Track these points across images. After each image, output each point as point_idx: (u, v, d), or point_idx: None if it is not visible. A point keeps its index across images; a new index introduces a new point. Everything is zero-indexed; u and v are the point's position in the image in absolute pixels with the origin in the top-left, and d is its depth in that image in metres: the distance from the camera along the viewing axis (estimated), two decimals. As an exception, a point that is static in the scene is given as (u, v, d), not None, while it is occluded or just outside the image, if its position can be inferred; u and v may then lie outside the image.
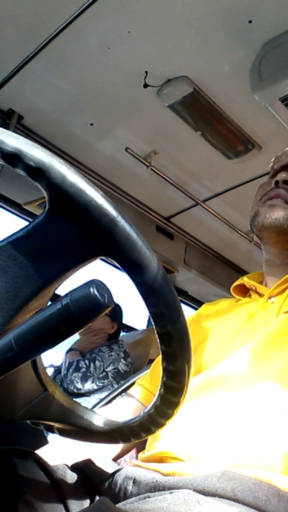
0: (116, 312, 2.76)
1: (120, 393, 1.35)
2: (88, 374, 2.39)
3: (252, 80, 1.71)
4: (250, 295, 0.96)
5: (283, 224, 0.88)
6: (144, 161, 2.26)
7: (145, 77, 1.87)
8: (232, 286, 0.99)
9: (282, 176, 0.92)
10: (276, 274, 0.92)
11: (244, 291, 0.98)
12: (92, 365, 2.42)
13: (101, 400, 1.33)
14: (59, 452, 0.80)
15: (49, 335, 0.41)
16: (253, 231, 0.95)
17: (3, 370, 0.42)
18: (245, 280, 0.97)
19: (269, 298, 0.88)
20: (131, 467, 0.68)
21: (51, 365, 2.69)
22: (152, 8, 1.61)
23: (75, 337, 2.65)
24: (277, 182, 0.92)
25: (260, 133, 2.10)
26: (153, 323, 0.46)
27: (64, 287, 0.45)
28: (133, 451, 0.95)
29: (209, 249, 3.07)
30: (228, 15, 1.61)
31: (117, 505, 0.52)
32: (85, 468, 0.70)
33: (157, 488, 0.59)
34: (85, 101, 2.04)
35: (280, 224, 0.88)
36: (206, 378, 0.77)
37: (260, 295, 0.93)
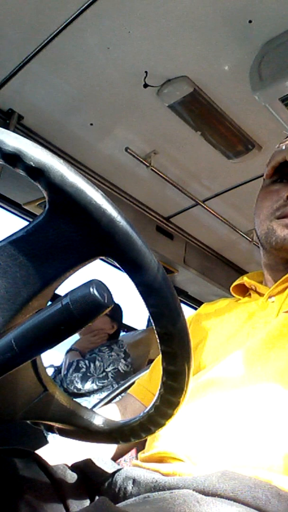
0: (116, 312, 2.76)
1: (120, 393, 1.35)
2: (88, 374, 2.39)
3: (252, 80, 1.71)
4: (250, 295, 0.96)
5: None
6: (144, 161, 2.26)
7: (145, 77, 1.87)
8: (232, 286, 0.99)
9: None
10: (276, 275, 0.92)
11: (244, 290, 0.98)
12: (92, 365, 2.42)
13: (101, 400, 1.34)
14: (59, 452, 0.80)
15: (49, 335, 0.41)
16: (264, 246, 0.93)
17: (3, 370, 0.42)
18: (245, 279, 0.97)
19: (269, 297, 0.88)
20: (131, 467, 0.68)
21: (51, 365, 2.69)
22: (152, 8, 1.61)
23: (75, 337, 2.65)
24: None
25: (260, 133, 2.10)
26: (153, 323, 0.46)
27: (64, 287, 0.46)
28: (133, 451, 0.95)
29: (209, 249, 3.06)
30: (228, 15, 1.61)
31: (117, 505, 0.52)
32: (85, 468, 0.70)
33: (157, 488, 0.59)
34: (85, 101, 2.04)
35: None
36: (206, 377, 0.77)
37: (260, 294, 0.92)
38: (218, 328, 0.90)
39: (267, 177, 0.93)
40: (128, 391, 0.98)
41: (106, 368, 2.43)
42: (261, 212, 0.93)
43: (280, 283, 0.88)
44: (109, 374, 2.42)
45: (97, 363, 2.43)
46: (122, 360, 2.50)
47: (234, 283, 0.99)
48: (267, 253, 0.94)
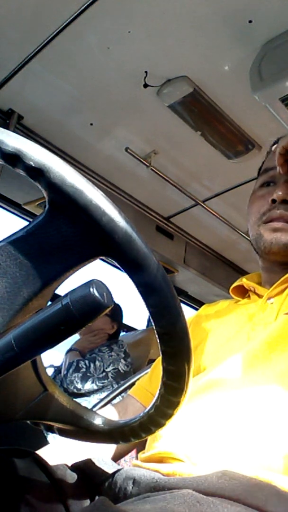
0: (116, 312, 2.76)
1: (120, 393, 1.35)
2: (88, 374, 2.39)
3: (252, 80, 1.71)
4: (249, 296, 0.96)
5: None
6: (144, 161, 2.26)
7: (145, 77, 1.87)
8: (231, 287, 0.99)
9: (279, 194, 0.88)
10: (273, 276, 0.92)
11: (243, 292, 0.98)
12: (92, 365, 2.42)
13: (101, 400, 1.34)
14: (59, 452, 0.80)
15: (49, 335, 0.41)
16: (257, 251, 0.93)
17: (3, 370, 0.42)
18: (243, 281, 0.97)
19: (268, 299, 0.88)
20: (131, 467, 0.68)
21: (51, 365, 2.69)
22: (152, 8, 1.61)
23: (75, 337, 2.65)
24: (273, 201, 0.89)
25: (260, 133, 2.10)
26: (153, 323, 0.46)
27: (64, 287, 0.46)
28: (133, 451, 0.95)
29: (209, 249, 3.06)
30: (228, 15, 1.61)
31: (117, 505, 0.52)
32: (85, 468, 0.70)
33: (157, 488, 0.59)
34: (85, 101, 2.04)
35: None
36: (206, 378, 0.77)
37: (259, 296, 0.92)
38: (218, 330, 0.90)
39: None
40: (129, 392, 0.98)
41: (106, 368, 2.43)
42: (251, 218, 0.95)
43: (278, 285, 0.88)
44: (109, 374, 2.42)
45: (97, 363, 2.43)
46: (122, 360, 2.50)
47: (233, 285, 0.99)
48: (260, 257, 0.95)
